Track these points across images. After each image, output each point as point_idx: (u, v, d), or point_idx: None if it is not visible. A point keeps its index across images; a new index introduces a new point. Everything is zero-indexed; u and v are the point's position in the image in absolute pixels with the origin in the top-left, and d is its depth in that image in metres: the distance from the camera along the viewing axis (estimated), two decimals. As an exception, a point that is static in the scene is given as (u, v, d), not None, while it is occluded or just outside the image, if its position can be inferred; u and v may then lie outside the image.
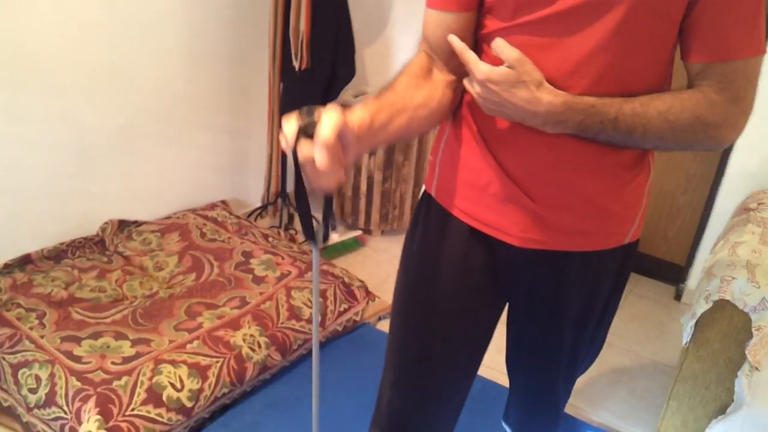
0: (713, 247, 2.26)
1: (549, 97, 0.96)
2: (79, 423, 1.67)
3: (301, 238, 2.80)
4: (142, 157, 2.49)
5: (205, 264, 2.35)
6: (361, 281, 2.47)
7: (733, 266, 1.80)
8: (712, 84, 0.96)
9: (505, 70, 0.96)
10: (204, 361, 1.90)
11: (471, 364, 1.31)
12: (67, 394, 1.72)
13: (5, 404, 1.84)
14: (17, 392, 1.79)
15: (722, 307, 1.77)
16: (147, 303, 2.09)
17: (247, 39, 2.70)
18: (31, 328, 1.92)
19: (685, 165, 2.78)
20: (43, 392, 1.74)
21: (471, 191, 1.15)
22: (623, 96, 0.98)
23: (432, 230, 1.22)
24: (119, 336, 1.92)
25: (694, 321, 1.81)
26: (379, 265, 2.86)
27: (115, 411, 1.69)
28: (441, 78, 1.08)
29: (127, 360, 1.83)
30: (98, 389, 1.72)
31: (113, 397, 1.71)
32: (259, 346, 2.03)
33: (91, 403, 1.68)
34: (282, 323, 2.13)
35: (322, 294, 2.30)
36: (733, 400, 1.83)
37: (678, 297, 2.84)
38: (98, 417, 1.65)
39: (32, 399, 1.75)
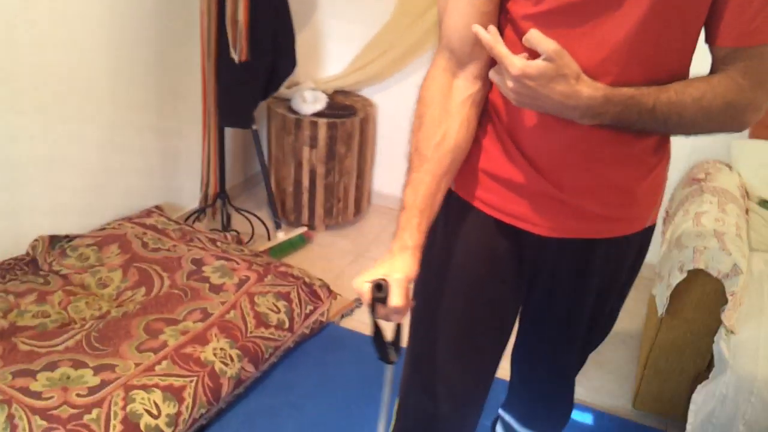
0: (665, 218, 2.37)
1: (589, 90, 0.96)
2: (51, 466, 1.53)
3: (252, 240, 2.69)
4: (66, 166, 2.29)
5: (153, 276, 2.20)
6: (320, 280, 2.41)
7: (703, 236, 1.90)
8: (738, 68, 0.98)
9: (543, 65, 0.94)
10: (177, 381, 1.79)
11: (495, 358, 1.30)
12: (31, 436, 1.57)
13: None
14: (-33, 440, 1.61)
15: (695, 276, 1.87)
16: (100, 325, 1.94)
17: (175, 32, 2.55)
18: (-29, 367, 1.73)
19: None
20: (1, 437, 1.58)
21: (494, 183, 1.14)
22: (650, 82, 0.98)
23: (453, 223, 1.20)
24: (78, 364, 1.76)
25: (669, 292, 1.89)
26: (329, 260, 2.80)
27: (91, 448, 1.56)
28: (465, 95, 1.07)
29: (93, 390, 1.69)
30: (68, 426, 1.58)
31: (86, 433, 1.57)
32: (232, 360, 1.94)
33: (63, 442, 1.54)
34: (251, 332, 2.05)
35: (285, 297, 2.23)
36: (708, 366, 1.94)
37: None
38: (74, 457, 1.52)
39: (-12, 446, 1.58)
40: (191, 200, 2.88)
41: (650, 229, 1.22)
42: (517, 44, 1.00)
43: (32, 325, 1.92)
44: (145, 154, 2.62)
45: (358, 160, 2.96)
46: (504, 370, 1.39)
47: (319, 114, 2.81)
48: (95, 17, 2.24)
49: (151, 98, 2.55)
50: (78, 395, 1.66)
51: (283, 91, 2.81)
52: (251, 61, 2.37)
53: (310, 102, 2.81)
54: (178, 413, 1.73)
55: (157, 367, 1.81)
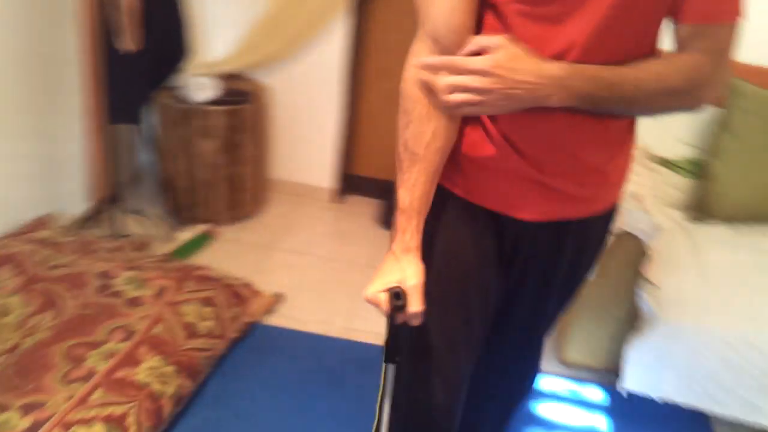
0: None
1: (554, 65, 1.00)
2: None
3: (152, 243, 2.54)
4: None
5: (59, 297, 2.02)
6: (240, 279, 2.34)
7: (623, 199, 2.05)
8: (699, 46, 1.04)
9: (504, 47, 0.99)
10: (117, 410, 1.67)
11: (482, 343, 1.33)
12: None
13: None
14: None
15: (619, 237, 2.01)
16: (13, 359, 1.76)
17: (48, 15, 2.30)
18: None
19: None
20: None
21: (477, 170, 1.16)
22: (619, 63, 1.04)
23: (437, 213, 1.21)
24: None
25: (597, 254, 2.03)
26: (240, 257, 2.71)
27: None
28: None
29: (26, 434, 1.54)
30: (7, 479, 1.43)
31: (29, 483, 1.44)
32: (168, 377, 1.84)
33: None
34: (183, 345, 1.95)
35: (209, 302, 2.14)
36: (635, 320, 2.10)
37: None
38: None
39: None
40: (78, 207, 2.65)
41: (616, 205, 1.29)
42: (500, 32, 1.02)
43: (-70, 371, 1.70)
44: (22, 160, 2.37)
45: (256, 148, 2.87)
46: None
47: (212, 102, 2.68)
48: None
49: (23, 98, 2.30)
50: (9, 443, 1.51)
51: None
52: (141, 49, 2.21)
53: (201, 89, 2.67)
54: (125, 444, 1.62)
55: (90, 398, 1.68)
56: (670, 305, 1.92)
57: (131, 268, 2.16)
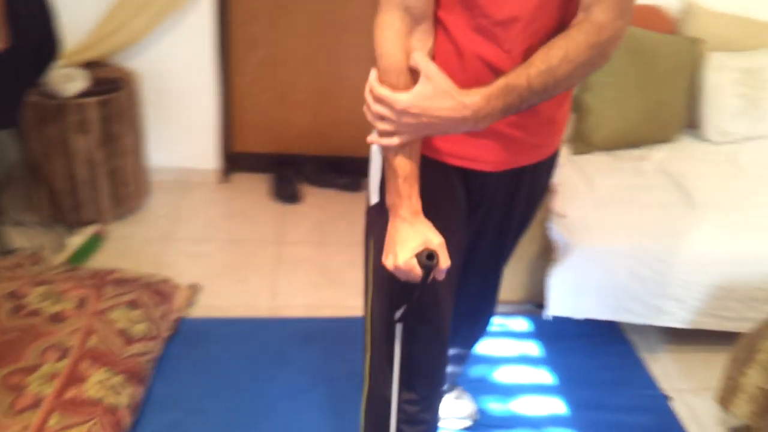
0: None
1: (468, 97, 1.08)
2: None
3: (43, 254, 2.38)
4: None
5: (-33, 327, 1.88)
6: (156, 275, 2.28)
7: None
8: (601, 5, 1.10)
9: (423, 88, 1.08)
10: (78, 431, 1.62)
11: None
12: None
13: None
14: None
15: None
16: (-57, 402, 1.63)
17: None
18: None
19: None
20: None
21: None
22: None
23: None
24: (-50, 456, 1.49)
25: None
26: (137, 252, 2.62)
27: None
28: (424, 53, 1.14)
29: (-8, 476, 1.45)
30: None
31: None
32: (120, 388, 1.79)
33: None
34: (124, 353, 1.90)
35: (135, 304, 2.08)
36: (550, 253, 2.32)
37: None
38: None
39: None
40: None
41: (559, 150, 1.45)
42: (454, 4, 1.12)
43: None
44: None
45: (135, 137, 2.76)
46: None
47: (82, 94, 2.53)
48: None
49: None
50: (-23, 488, 1.42)
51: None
52: (9, 47, 2.05)
53: (68, 82, 2.51)
54: (99, 463, 1.58)
55: (47, 425, 1.62)
56: (579, 232, 2.16)
57: (40, 284, 2.04)
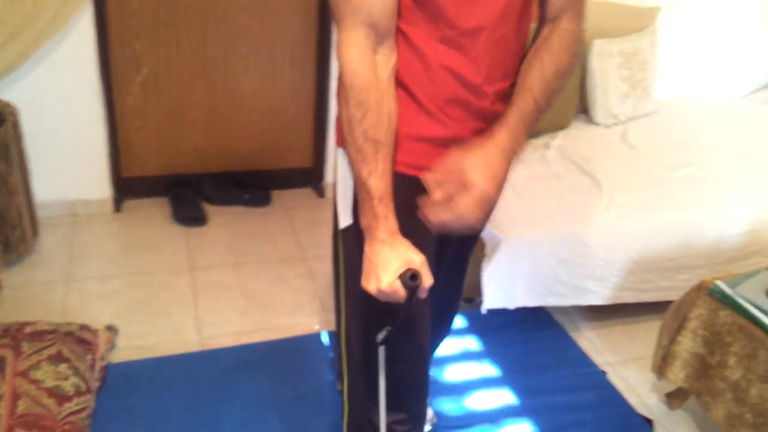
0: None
1: (506, 143, 1.19)
2: None
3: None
4: None
5: None
6: (73, 324, 2.14)
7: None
8: (569, 13, 1.23)
9: (484, 184, 1.14)
10: (32, 508, 1.50)
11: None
12: None
13: None
14: None
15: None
16: None
17: None
18: None
19: (285, 74, 3.12)
20: None
21: (416, 144, 1.28)
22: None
23: None
24: None
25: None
26: (38, 300, 2.44)
27: None
28: (389, 69, 1.17)
29: None
30: None
31: None
32: (63, 452, 1.67)
33: None
34: (59, 414, 1.77)
35: (60, 358, 1.94)
36: (481, 249, 2.40)
37: (321, 194, 3.29)
38: None
39: None
40: None
41: None
42: (419, 19, 1.15)
43: None
44: None
45: (22, 173, 2.56)
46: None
47: (-44, 133, 2.32)
48: None
49: None
50: None
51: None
52: None
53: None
54: None
55: (-5, 507, 1.48)
56: (506, 226, 2.26)
57: (-55, 351, 1.86)
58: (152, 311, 2.45)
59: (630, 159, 2.76)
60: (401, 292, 1.15)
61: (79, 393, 1.88)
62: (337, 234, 1.40)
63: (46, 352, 1.94)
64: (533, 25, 1.30)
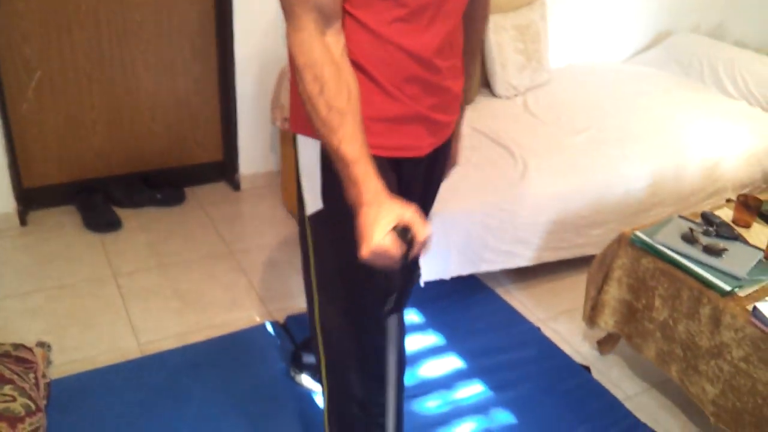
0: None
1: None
2: None
3: None
4: None
5: None
6: (4, 343, 2.07)
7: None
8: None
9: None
10: None
11: None
12: None
13: None
14: None
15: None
16: None
17: None
18: None
19: (187, 67, 3.08)
20: None
21: (379, 125, 1.34)
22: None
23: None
24: None
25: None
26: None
27: None
28: (340, 48, 1.22)
29: None
30: None
31: None
32: (29, 474, 1.64)
33: None
34: (15, 436, 1.72)
35: (2, 380, 1.88)
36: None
37: (237, 187, 3.29)
38: None
39: None
40: None
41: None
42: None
43: None
44: None
45: None
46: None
47: None
48: None
49: None
50: None
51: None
52: None
53: None
54: None
55: None
56: (436, 201, 2.37)
57: None
58: (82, 323, 2.39)
59: (535, 127, 2.95)
60: (394, 249, 1.12)
61: (30, 413, 1.84)
62: (304, 221, 1.45)
63: (-13, 377, 1.88)
64: None
